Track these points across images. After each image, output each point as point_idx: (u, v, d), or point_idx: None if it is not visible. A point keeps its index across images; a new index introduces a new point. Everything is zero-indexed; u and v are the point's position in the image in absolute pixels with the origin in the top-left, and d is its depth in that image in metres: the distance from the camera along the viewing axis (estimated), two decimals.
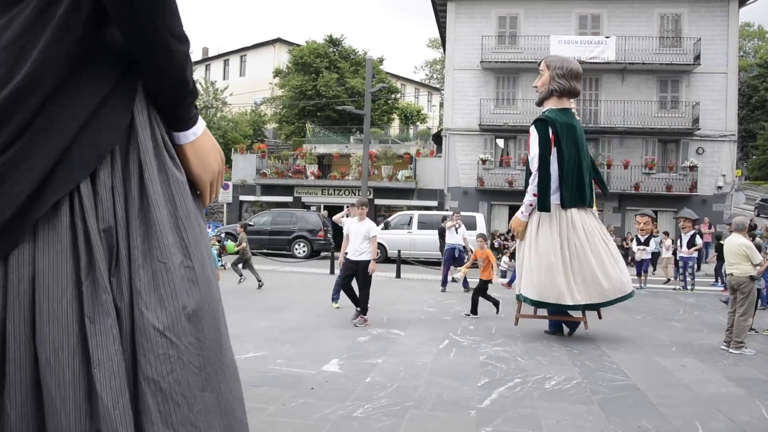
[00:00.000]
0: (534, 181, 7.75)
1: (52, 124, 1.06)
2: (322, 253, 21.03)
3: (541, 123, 7.95)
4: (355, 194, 27.85)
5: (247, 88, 45.30)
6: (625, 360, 6.60)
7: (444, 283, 13.18)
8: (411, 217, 22.37)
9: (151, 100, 1.21)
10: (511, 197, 25.21)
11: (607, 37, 26.35)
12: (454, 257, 13.24)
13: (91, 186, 1.11)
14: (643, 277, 14.89)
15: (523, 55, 27.15)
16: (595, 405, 4.86)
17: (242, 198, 30.11)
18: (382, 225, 22.91)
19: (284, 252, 21.97)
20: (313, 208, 27.72)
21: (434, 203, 27.53)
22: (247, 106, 43.41)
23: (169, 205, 1.19)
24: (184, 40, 1.17)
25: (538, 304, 7.91)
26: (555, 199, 7.83)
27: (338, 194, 28.89)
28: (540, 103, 8.49)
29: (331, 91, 36.58)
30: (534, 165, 7.78)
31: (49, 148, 1.06)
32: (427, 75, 63.97)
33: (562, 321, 8.27)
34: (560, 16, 27.38)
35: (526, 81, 27.37)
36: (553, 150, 7.84)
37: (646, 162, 26.63)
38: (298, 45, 42.52)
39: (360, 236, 8.75)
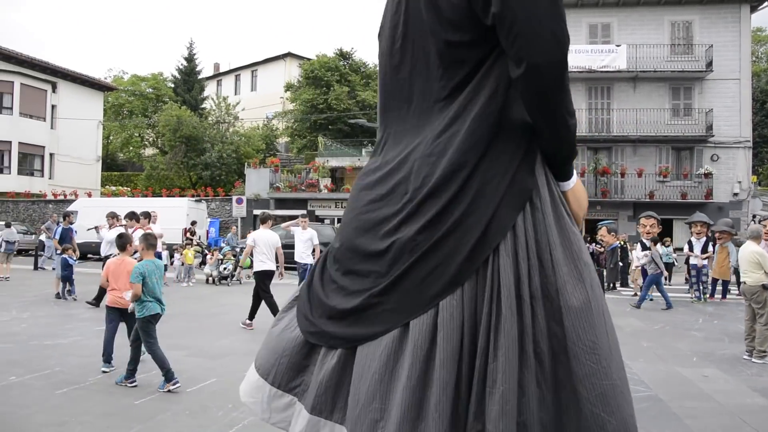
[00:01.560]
0: None
1: (485, 187, 1.40)
2: None
3: None
4: None
5: (259, 103, 45.58)
6: (645, 370, 6.56)
7: None
8: None
9: (545, 161, 1.50)
10: None
11: (618, 46, 26.32)
12: None
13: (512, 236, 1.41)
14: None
15: None
16: None
17: (256, 212, 30.19)
18: None
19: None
20: (327, 222, 27.76)
21: None
22: (259, 120, 43.66)
23: (565, 242, 1.45)
24: (573, 114, 1.46)
25: None
26: None
27: None
28: None
29: (342, 104, 36.73)
30: None
31: (485, 205, 1.39)
32: None
33: None
34: (570, 26, 26.62)
35: None
36: None
37: (660, 170, 26.50)
38: (309, 59, 42.78)
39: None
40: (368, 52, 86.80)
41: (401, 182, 1.46)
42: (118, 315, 6.21)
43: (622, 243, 16.53)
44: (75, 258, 12.34)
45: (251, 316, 9.14)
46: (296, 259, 11.66)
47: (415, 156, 1.46)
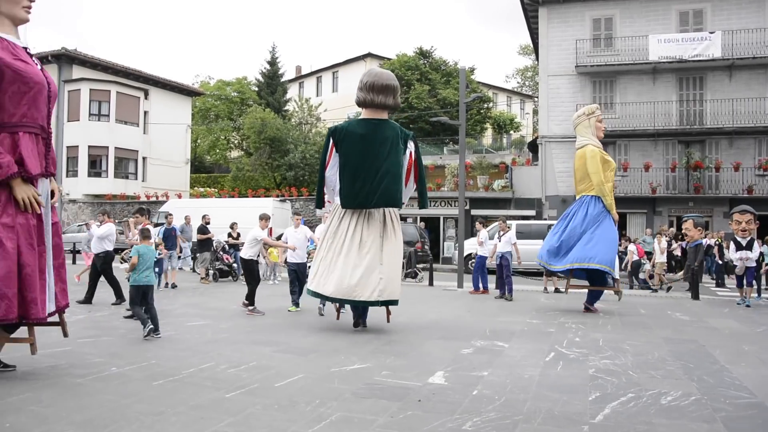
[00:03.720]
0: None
1: None
2: (420, 265, 21.03)
3: (328, 132, 8.98)
4: (451, 205, 27.73)
5: (340, 104, 46.11)
6: (748, 376, 6.20)
7: (500, 288, 13.68)
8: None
9: None
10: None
11: (711, 33, 25.10)
12: (500, 264, 13.73)
13: None
14: (746, 290, 12.63)
15: (621, 57, 26.30)
16: (719, 423, 4.59)
17: None
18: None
19: None
20: (410, 220, 27.78)
21: (532, 212, 27.01)
22: (341, 120, 44.13)
23: None
24: None
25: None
26: (337, 199, 8.87)
27: (434, 206, 28.87)
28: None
29: (423, 102, 36.69)
30: None
31: None
32: (518, 83, 63.11)
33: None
34: (659, 14, 26.34)
35: (624, 84, 26.50)
36: (335, 156, 8.78)
37: (760, 163, 25.09)
38: (389, 58, 42.96)
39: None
40: (448, 50, 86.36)
41: None
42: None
43: (719, 240, 15.76)
44: (164, 254, 13.77)
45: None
46: (289, 259, 11.23)
47: None
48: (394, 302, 8.73)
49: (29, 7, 5.55)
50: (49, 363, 5.98)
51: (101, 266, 11.26)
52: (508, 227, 14.06)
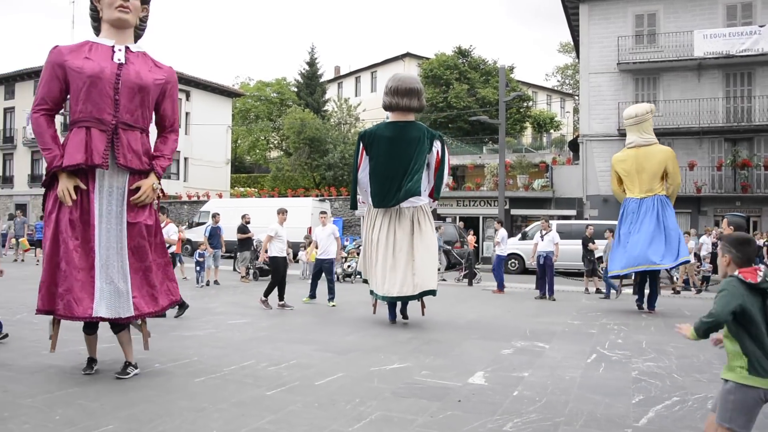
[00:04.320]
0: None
1: None
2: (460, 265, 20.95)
3: (359, 137, 9.48)
4: (490, 205, 27.55)
5: (379, 103, 45.87)
6: None
7: (540, 288, 13.55)
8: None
9: None
10: None
11: (761, 26, 24.36)
12: (541, 265, 13.61)
13: None
14: None
15: (664, 53, 25.74)
16: None
17: None
18: (519, 235, 22.50)
19: None
20: (449, 220, 27.68)
21: (573, 212, 26.64)
22: (380, 120, 44.22)
23: None
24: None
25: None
26: (370, 200, 9.34)
27: (473, 205, 28.69)
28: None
29: (462, 102, 36.50)
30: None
31: None
32: (559, 81, 62.36)
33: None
34: (704, 9, 25.68)
35: (667, 81, 25.93)
36: (365, 159, 9.23)
37: None
38: (427, 58, 42.84)
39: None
40: (487, 49, 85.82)
41: None
42: None
43: (767, 241, 15.30)
44: (209, 252, 14.34)
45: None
46: (318, 256, 12.00)
47: None
48: (432, 292, 9.00)
49: (122, 7, 5.60)
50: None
51: None
52: (550, 227, 13.93)
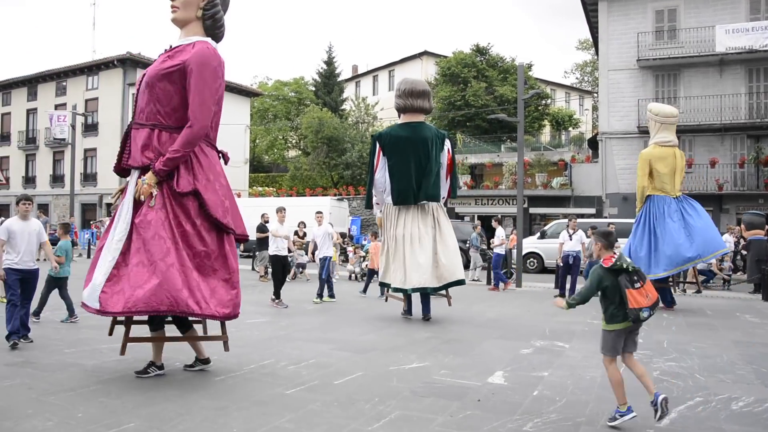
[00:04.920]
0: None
1: None
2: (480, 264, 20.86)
3: (374, 139, 9.89)
4: (509, 203, 27.41)
5: None
6: None
7: (561, 287, 13.48)
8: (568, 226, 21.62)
9: None
10: None
11: None
12: (568, 264, 13.51)
13: None
14: None
15: (685, 49, 25.45)
16: None
17: None
18: (538, 234, 22.36)
19: None
20: (467, 219, 27.60)
21: (592, 210, 26.44)
22: (397, 119, 44.15)
23: None
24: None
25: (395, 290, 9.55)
26: (389, 198, 9.62)
27: (492, 204, 28.59)
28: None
29: (480, 100, 36.34)
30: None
31: None
32: (577, 78, 61.90)
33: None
34: (726, 3, 25.34)
35: (688, 77, 25.63)
36: (382, 160, 9.56)
37: None
38: (445, 56, 42.71)
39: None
40: (505, 47, 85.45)
41: None
42: None
43: None
44: None
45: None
46: (317, 255, 12.44)
47: None
48: (461, 282, 9.40)
49: (172, 8, 5.70)
50: (116, 357, 6.17)
51: None
52: (578, 226, 13.85)
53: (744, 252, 17.59)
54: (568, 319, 9.96)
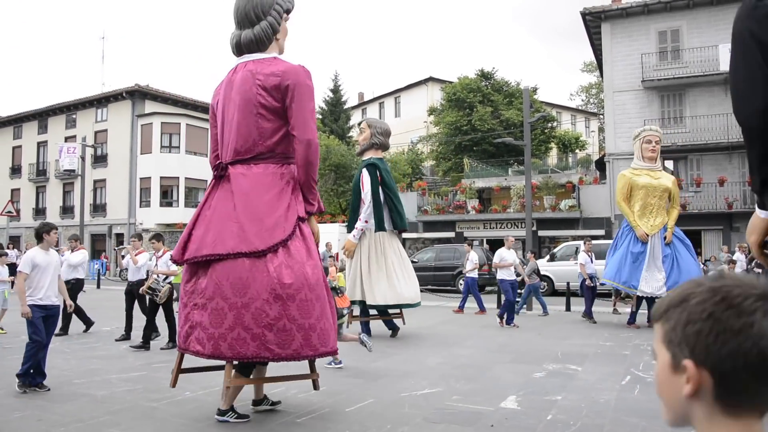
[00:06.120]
0: (368, 210, 10.29)
1: None
2: (487, 288, 20.80)
3: (372, 167, 10.48)
4: (517, 226, 27.34)
5: (403, 128, 46.38)
6: None
7: (588, 309, 13.17)
8: (577, 248, 21.51)
9: None
10: (686, 221, 23.52)
11: None
12: (593, 285, 13.49)
13: None
14: None
15: (689, 69, 25.55)
16: None
17: (405, 235, 30.62)
18: (548, 257, 22.28)
19: (449, 287, 21.99)
20: (476, 243, 27.54)
21: (601, 232, 26.33)
22: (404, 145, 44.41)
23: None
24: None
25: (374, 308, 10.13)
26: (386, 224, 10.37)
27: (500, 227, 28.53)
28: (361, 154, 11.10)
29: (486, 124, 36.50)
30: (368, 199, 10.31)
31: None
32: (583, 101, 62.10)
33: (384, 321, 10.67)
34: (728, 23, 25.31)
35: (694, 97, 25.69)
36: (380, 187, 10.42)
37: None
38: (450, 82, 43.02)
39: None
40: (510, 71, 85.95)
41: None
42: None
43: None
44: None
45: None
46: None
47: None
48: (418, 304, 10.41)
49: None
50: (126, 387, 6.15)
51: (70, 295, 9.23)
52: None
53: (758, 270, 17.46)
54: (581, 341, 9.87)
